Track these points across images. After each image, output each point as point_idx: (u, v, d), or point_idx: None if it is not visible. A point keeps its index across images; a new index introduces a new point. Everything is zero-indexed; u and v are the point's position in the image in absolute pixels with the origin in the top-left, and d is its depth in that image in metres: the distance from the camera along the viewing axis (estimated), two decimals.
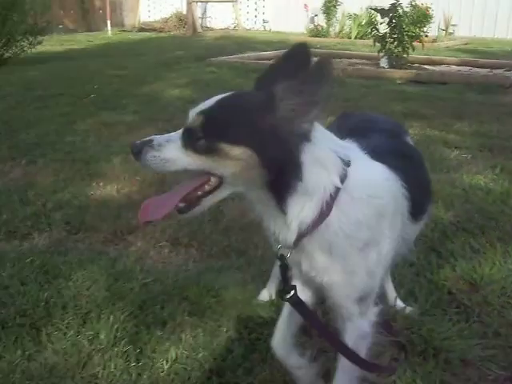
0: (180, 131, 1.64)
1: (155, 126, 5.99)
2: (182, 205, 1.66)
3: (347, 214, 1.69)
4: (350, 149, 1.77)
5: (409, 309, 2.70)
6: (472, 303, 2.75)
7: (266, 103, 1.55)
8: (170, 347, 2.41)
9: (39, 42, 12.17)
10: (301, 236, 1.68)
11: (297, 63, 1.67)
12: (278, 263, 1.84)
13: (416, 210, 1.96)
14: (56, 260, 3.13)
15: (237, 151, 1.54)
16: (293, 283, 1.88)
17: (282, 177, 1.58)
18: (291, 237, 1.68)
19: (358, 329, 1.86)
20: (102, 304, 2.71)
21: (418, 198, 1.96)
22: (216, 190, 1.64)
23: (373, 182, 1.78)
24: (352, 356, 1.83)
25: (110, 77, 9.68)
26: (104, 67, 10.85)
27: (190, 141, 1.59)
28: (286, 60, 1.72)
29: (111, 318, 2.56)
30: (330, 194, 1.63)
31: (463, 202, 3.96)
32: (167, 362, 2.32)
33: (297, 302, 1.87)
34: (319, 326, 1.96)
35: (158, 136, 1.64)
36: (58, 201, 4.03)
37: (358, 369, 1.89)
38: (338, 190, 1.64)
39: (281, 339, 2.08)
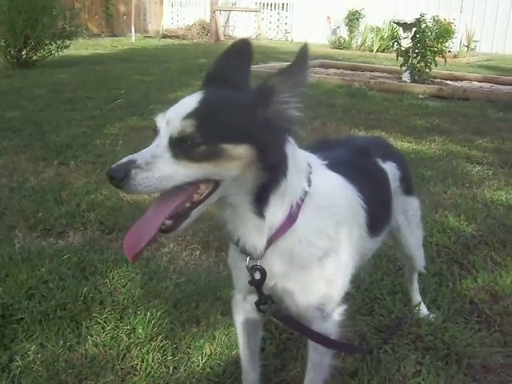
0: (163, 142, 1.48)
1: None
2: (168, 223, 1.51)
3: (311, 221, 1.69)
4: (310, 157, 1.80)
5: (432, 315, 2.79)
6: (493, 313, 2.84)
7: (261, 97, 1.52)
8: (204, 344, 2.53)
9: (66, 46, 12.40)
10: (269, 242, 1.65)
11: (242, 58, 1.75)
12: (249, 276, 1.74)
13: (373, 223, 1.97)
14: (92, 258, 3.26)
15: (240, 150, 1.46)
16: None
17: (271, 173, 1.54)
18: (261, 243, 1.64)
19: (321, 331, 1.85)
20: (138, 301, 2.83)
21: (375, 213, 1.98)
22: (208, 197, 1.53)
23: (332, 190, 1.79)
24: (328, 341, 1.88)
25: (136, 82, 9.88)
26: (129, 72, 11.04)
27: (185, 150, 1.45)
28: (231, 56, 1.76)
29: (148, 315, 2.68)
30: (300, 198, 1.64)
31: (485, 217, 4.04)
32: (202, 357, 2.44)
33: (275, 311, 1.85)
34: (300, 327, 1.91)
35: (137, 155, 1.45)
36: (91, 201, 4.16)
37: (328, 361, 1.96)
38: (305, 194, 1.65)
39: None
